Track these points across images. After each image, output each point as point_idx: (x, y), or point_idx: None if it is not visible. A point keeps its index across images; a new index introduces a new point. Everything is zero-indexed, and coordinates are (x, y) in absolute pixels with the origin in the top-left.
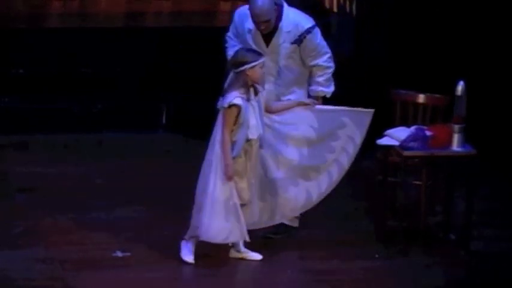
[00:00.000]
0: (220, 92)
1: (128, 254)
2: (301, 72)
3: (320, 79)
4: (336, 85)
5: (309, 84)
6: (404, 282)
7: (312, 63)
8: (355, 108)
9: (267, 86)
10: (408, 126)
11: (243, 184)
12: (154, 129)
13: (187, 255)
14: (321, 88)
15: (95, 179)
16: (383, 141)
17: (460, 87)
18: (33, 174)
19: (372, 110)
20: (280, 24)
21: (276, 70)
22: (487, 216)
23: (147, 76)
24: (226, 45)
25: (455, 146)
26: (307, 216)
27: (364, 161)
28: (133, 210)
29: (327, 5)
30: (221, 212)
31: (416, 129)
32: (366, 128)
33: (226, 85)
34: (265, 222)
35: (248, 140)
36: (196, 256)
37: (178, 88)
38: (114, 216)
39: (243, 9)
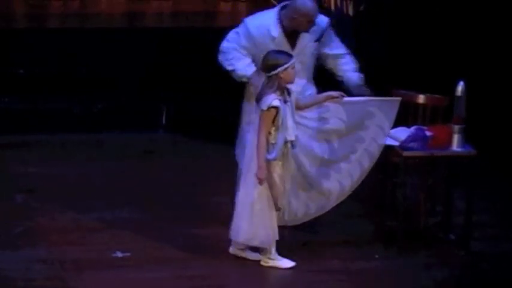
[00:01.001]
0: (220, 93)
1: (128, 254)
2: (312, 70)
3: (349, 66)
4: (336, 85)
5: (338, 76)
6: (404, 282)
7: (335, 52)
8: (382, 98)
9: (294, 87)
10: (408, 126)
11: (281, 188)
12: (154, 129)
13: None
14: (356, 77)
15: (95, 179)
16: None
17: (460, 87)
18: (33, 174)
19: (399, 98)
20: None
21: (303, 70)
22: (487, 216)
23: (147, 76)
24: (229, 56)
25: (455, 146)
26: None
27: None
28: (133, 210)
29: (325, 4)
30: (248, 214)
31: (416, 129)
32: (394, 116)
33: (260, 89)
34: (300, 218)
35: (286, 142)
36: (197, 256)
37: (178, 88)
38: (114, 216)
39: (258, 20)
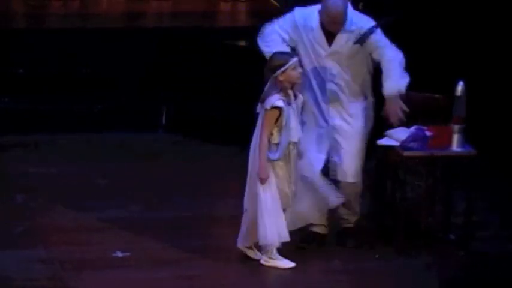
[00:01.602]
0: (220, 93)
1: (128, 254)
2: (364, 76)
3: (389, 76)
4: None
5: (383, 82)
6: (404, 282)
7: (379, 57)
8: None
9: (328, 86)
10: (408, 126)
11: (286, 188)
12: (154, 129)
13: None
14: (393, 84)
15: (95, 179)
16: (383, 141)
17: (459, 87)
18: (33, 174)
19: None
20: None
21: (337, 71)
22: (487, 216)
23: (147, 76)
24: (268, 38)
25: (455, 146)
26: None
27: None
28: (133, 210)
29: None
30: (258, 215)
31: (416, 129)
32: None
33: (265, 90)
34: (303, 221)
35: (289, 143)
36: (197, 256)
37: (178, 88)
38: (114, 216)
39: (305, 10)
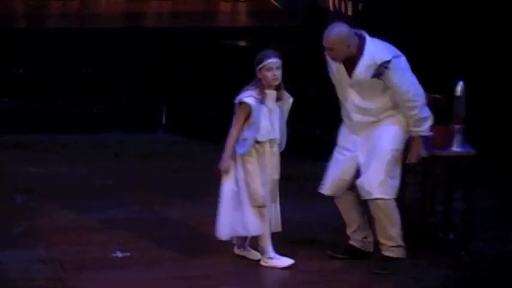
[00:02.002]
0: (220, 93)
1: (128, 254)
2: (390, 101)
3: (409, 120)
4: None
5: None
6: (404, 282)
7: (397, 99)
8: None
9: (353, 117)
10: None
11: (255, 185)
12: (154, 129)
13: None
14: (413, 129)
15: (95, 179)
16: None
17: (459, 87)
18: (33, 174)
19: None
20: (361, 58)
21: (361, 101)
22: (487, 216)
23: (147, 76)
24: None
25: (455, 146)
26: (309, 217)
27: None
28: (133, 210)
29: (323, 4)
30: (226, 206)
31: None
32: None
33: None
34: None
35: (258, 142)
36: (197, 256)
37: (178, 88)
38: (114, 216)
39: None
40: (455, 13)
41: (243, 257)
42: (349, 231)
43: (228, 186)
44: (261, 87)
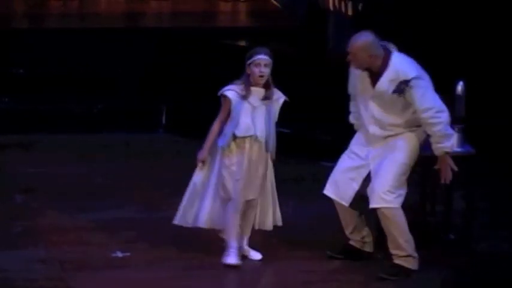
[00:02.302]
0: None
1: (128, 254)
2: (409, 117)
3: (432, 137)
4: (336, 85)
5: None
6: (404, 282)
7: (419, 116)
8: None
9: (370, 129)
10: None
11: (227, 179)
12: (154, 129)
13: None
14: (436, 145)
15: (95, 179)
16: None
17: (459, 87)
18: (33, 174)
19: None
20: (386, 71)
21: (380, 114)
22: (487, 216)
23: (147, 76)
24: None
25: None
26: (309, 217)
27: None
28: (133, 210)
29: (324, 4)
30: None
31: None
32: None
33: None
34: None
35: (238, 137)
36: (197, 256)
37: (178, 88)
38: (114, 216)
39: None
40: (455, 13)
41: (243, 256)
42: (347, 232)
43: (198, 176)
44: (248, 83)
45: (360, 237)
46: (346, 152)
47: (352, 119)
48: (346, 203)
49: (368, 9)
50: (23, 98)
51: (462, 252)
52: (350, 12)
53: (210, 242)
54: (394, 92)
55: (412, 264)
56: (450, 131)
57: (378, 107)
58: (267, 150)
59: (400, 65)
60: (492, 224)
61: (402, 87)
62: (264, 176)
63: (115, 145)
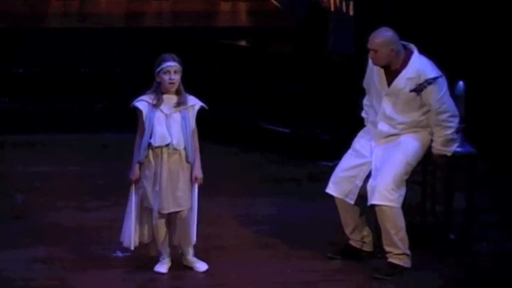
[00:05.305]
0: (220, 93)
1: (128, 254)
2: (419, 118)
3: (438, 139)
4: (336, 85)
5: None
6: (404, 282)
7: (432, 117)
8: None
9: (379, 125)
10: None
11: (150, 188)
12: None
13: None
14: (439, 147)
15: (95, 179)
16: None
17: (459, 87)
18: (33, 174)
19: None
20: (404, 69)
21: (392, 112)
22: (487, 216)
23: (147, 76)
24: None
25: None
26: (308, 217)
27: None
28: None
29: (324, 4)
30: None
31: None
32: None
33: None
34: None
35: (154, 147)
36: (197, 256)
37: None
38: (114, 216)
39: None
40: (455, 13)
41: (243, 256)
42: (347, 231)
43: (135, 195)
44: (158, 91)
45: (360, 237)
46: (349, 150)
47: (363, 113)
48: (351, 201)
49: (368, 9)
50: (23, 98)
51: (462, 252)
52: (351, 12)
53: (209, 242)
54: (413, 90)
55: (406, 262)
56: (456, 136)
57: (391, 105)
58: (187, 160)
59: (421, 65)
60: (492, 224)
61: (423, 86)
62: (188, 187)
63: (115, 145)
